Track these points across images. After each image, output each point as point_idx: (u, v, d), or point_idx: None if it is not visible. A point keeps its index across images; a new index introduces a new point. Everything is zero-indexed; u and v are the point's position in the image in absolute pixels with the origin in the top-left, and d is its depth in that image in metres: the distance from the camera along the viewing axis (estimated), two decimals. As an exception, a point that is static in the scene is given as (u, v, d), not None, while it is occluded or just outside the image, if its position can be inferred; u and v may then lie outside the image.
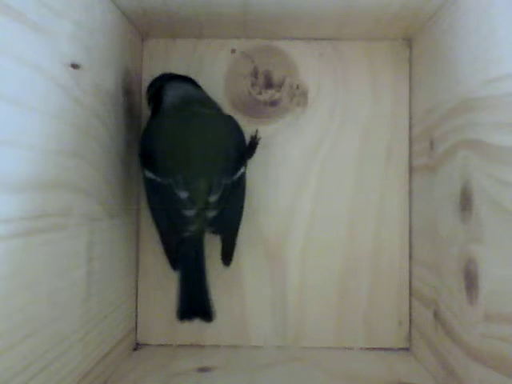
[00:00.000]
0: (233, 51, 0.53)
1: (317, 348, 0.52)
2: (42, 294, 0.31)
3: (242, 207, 0.47)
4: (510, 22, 0.31)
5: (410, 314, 0.52)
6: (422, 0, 0.42)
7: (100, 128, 0.41)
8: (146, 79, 0.53)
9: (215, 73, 0.53)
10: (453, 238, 0.40)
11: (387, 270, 0.52)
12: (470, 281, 0.36)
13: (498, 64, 0.33)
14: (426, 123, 0.47)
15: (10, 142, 0.27)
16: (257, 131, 0.52)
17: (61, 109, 0.33)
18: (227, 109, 0.52)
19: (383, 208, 0.52)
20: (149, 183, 0.46)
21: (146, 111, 0.52)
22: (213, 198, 0.44)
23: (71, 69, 0.35)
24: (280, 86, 0.53)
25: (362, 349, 0.52)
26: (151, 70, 0.53)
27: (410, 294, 0.52)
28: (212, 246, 0.47)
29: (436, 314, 0.43)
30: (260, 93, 0.53)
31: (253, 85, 0.53)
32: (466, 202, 0.37)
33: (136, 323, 0.52)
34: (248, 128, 0.51)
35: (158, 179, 0.45)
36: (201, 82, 0.52)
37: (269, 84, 0.53)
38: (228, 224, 0.47)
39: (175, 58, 0.53)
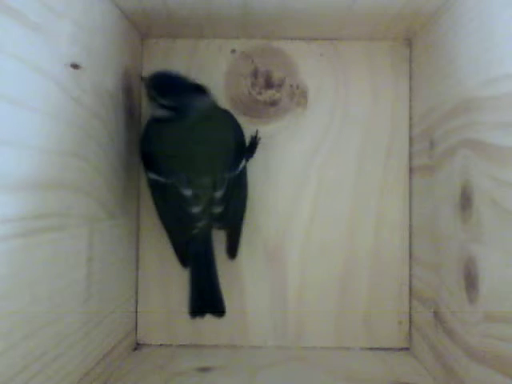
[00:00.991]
0: (233, 51, 0.53)
1: (317, 348, 0.52)
2: (42, 293, 0.31)
3: (245, 200, 0.48)
4: (510, 21, 0.31)
5: (410, 314, 0.52)
6: (422, 0, 0.42)
7: (100, 128, 0.41)
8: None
9: (215, 73, 0.53)
10: (453, 237, 0.40)
11: (387, 270, 0.52)
12: (470, 281, 0.36)
13: (498, 64, 0.33)
14: (426, 123, 0.47)
15: (10, 142, 0.27)
16: (257, 131, 0.52)
17: (61, 109, 0.33)
18: (227, 109, 0.52)
19: (383, 208, 0.52)
20: (153, 184, 0.46)
21: (146, 111, 0.52)
22: (218, 194, 0.45)
23: (71, 69, 0.35)
24: (280, 86, 0.53)
25: (362, 349, 0.52)
26: (151, 70, 0.53)
27: (410, 294, 0.52)
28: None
29: (436, 314, 0.43)
30: (260, 93, 0.53)
31: (253, 85, 0.53)
32: (465, 202, 0.37)
33: (136, 323, 0.52)
34: (248, 128, 0.51)
35: (162, 179, 0.45)
36: (201, 81, 0.52)
37: (269, 84, 0.53)
38: (234, 218, 0.47)
39: (175, 58, 0.53)
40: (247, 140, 0.50)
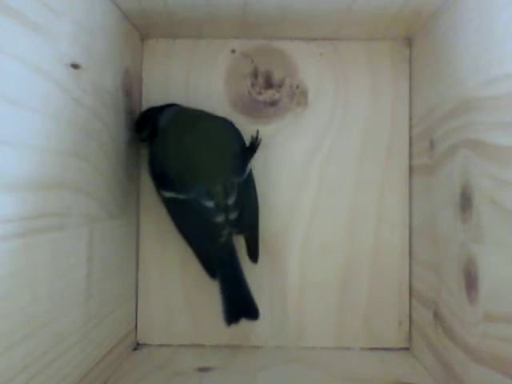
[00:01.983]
0: (233, 51, 0.53)
1: (317, 348, 0.52)
2: (41, 293, 0.31)
3: (256, 202, 0.49)
4: (510, 21, 0.31)
5: (410, 314, 0.52)
6: (422, 0, 0.42)
7: (100, 128, 0.41)
8: (146, 79, 0.53)
9: (215, 73, 0.53)
10: (453, 237, 0.40)
11: (387, 270, 0.52)
12: (470, 281, 0.36)
13: (498, 64, 0.33)
14: (426, 123, 0.47)
15: (10, 142, 0.27)
16: (257, 132, 0.52)
17: (61, 109, 0.33)
18: (227, 109, 0.52)
19: (383, 208, 0.52)
20: (171, 202, 0.46)
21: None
22: (231, 201, 0.45)
23: (71, 69, 0.35)
24: (280, 85, 0.53)
25: (362, 349, 0.52)
26: (151, 70, 0.53)
27: (410, 294, 0.52)
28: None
29: (436, 314, 0.43)
30: (260, 93, 0.53)
31: (253, 85, 0.53)
32: (465, 202, 0.37)
33: (136, 323, 0.52)
34: (248, 128, 0.51)
35: (181, 196, 0.45)
36: (201, 81, 0.52)
37: (269, 84, 0.53)
38: (249, 221, 0.48)
39: (175, 58, 0.53)
40: (247, 141, 0.50)
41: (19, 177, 0.28)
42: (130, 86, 0.49)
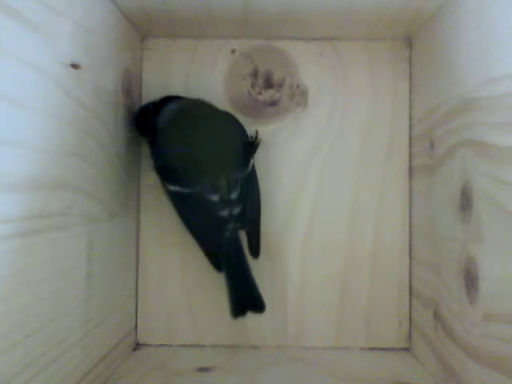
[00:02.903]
0: (233, 51, 0.53)
1: (317, 348, 0.52)
2: (42, 293, 0.31)
3: (259, 198, 0.49)
4: (510, 21, 0.31)
5: (410, 314, 0.52)
6: (422, 0, 0.42)
7: (100, 128, 0.41)
8: (146, 79, 0.53)
9: (215, 73, 0.53)
10: (453, 238, 0.40)
11: (387, 270, 0.52)
12: (470, 281, 0.36)
13: (498, 64, 0.33)
14: (426, 123, 0.47)
15: (10, 142, 0.27)
16: (257, 132, 0.52)
17: (61, 109, 0.33)
18: (227, 109, 0.52)
19: (383, 208, 0.52)
20: (176, 196, 0.46)
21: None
22: (234, 195, 0.46)
23: (71, 69, 0.35)
24: (280, 85, 0.53)
25: (362, 349, 0.52)
26: (151, 70, 0.53)
27: (410, 294, 0.52)
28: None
29: (436, 314, 0.43)
30: (260, 93, 0.53)
31: (253, 85, 0.53)
32: (466, 202, 0.37)
33: (136, 323, 0.52)
34: (248, 128, 0.51)
35: (186, 190, 0.46)
36: (201, 81, 0.52)
37: (269, 84, 0.53)
38: (251, 217, 0.48)
39: (175, 58, 0.53)
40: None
41: (19, 177, 0.28)
42: (129, 86, 0.49)
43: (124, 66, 0.47)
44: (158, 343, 0.52)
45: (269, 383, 0.44)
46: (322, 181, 0.53)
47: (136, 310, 0.52)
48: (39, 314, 0.31)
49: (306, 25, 0.49)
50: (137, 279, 0.53)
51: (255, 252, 0.48)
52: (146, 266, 0.53)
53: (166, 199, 0.49)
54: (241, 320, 0.51)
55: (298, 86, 0.53)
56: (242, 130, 0.49)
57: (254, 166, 0.49)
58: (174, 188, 0.46)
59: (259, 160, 0.52)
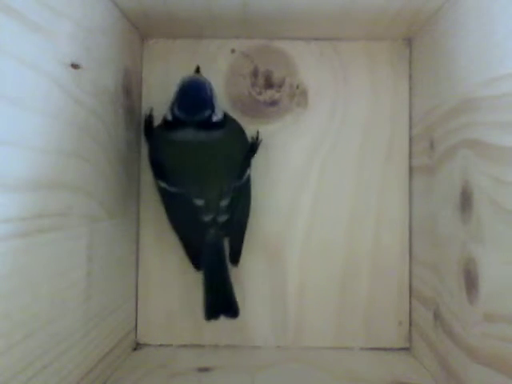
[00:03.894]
0: (233, 51, 0.53)
1: (317, 348, 0.52)
2: (42, 293, 0.31)
3: (249, 208, 0.49)
4: (510, 21, 0.31)
5: (410, 314, 0.52)
6: (422, 0, 0.42)
7: (100, 128, 0.41)
8: (146, 79, 0.53)
9: (215, 73, 0.53)
10: (453, 238, 0.40)
11: (387, 270, 0.52)
12: (470, 281, 0.36)
13: (498, 64, 0.33)
14: (426, 123, 0.47)
15: (9, 142, 0.27)
16: (258, 132, 0.52)
17: (61, 109, 0.33)
18: (227, 109, 0.52)
19: (383, 208, 0.52)
20: (164, 193, 0.47)
21: (145, 111, 0.52)
22: (224, 203, 0.46)
23: (71, 69, 0.35)
24: (280, 86, 0.53)
25: (362, 349, 0.52)
26: (151, 70, 0.53)
27: (410, 294, 0.52)
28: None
29: (436, 314, 0.43)
30: (260, 93, 0.53)
31: (253, 85, 0.53)
32: (466, 202, 0.37)
33: (136, 323, 0.52)
34: (248, 128, 0.51)
35: (173, 189, 0.46)
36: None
37: (269, 84, 0.53)
38: (237, 226, 0.48)
39: (175, 58, 0.53)
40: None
41: (19, 177, 0.28)
42: (129, 86, 0.49)
43: (124, 65, 0.47)
44: (158, 343, 0.52)
45: (269, 383, 0.44)
46: (321, 180, 0.53)
47: (136, 310, 0.52)
48: (39, 314, 0.31)
49: (305, 25, 0.49)
50: (137, 279, 0.53)
51: (235, 260, 0.49)
52: (146, 266, 0.53)
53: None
54: (241, 320, 0.51)
55: (297, 86, 0.53)
56: (243, 138, 0.49)
57: (249, 176, 0.49)
58: (162, 184, 0.47)
59: (259, 160, 0.52)
